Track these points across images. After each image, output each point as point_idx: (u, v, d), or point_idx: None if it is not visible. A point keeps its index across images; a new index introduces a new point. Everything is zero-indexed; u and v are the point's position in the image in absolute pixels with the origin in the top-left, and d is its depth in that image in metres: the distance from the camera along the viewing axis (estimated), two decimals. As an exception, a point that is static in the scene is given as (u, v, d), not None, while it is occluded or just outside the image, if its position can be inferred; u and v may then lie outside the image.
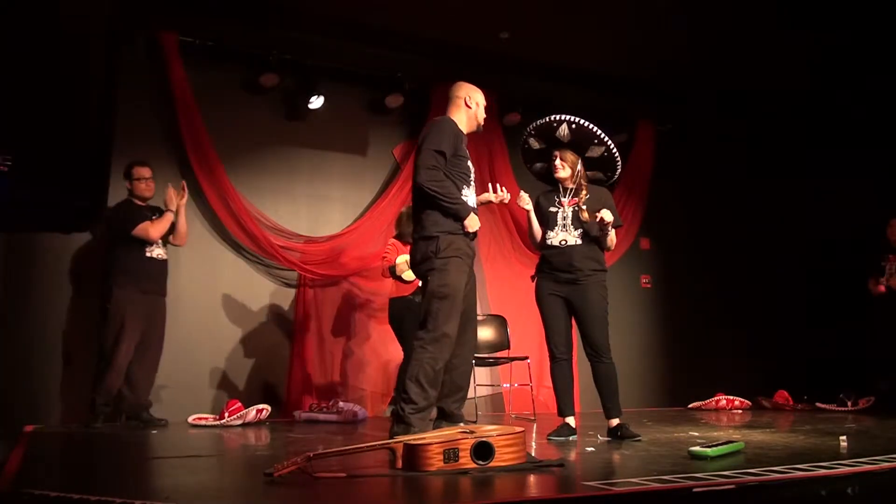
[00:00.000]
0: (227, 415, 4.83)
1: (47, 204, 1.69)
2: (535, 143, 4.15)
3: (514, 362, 5.69)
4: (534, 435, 4.25)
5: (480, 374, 5.79)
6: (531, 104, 6.29)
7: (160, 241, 4.88)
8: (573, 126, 3.92)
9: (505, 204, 4.17)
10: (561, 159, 4.00)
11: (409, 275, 5.00)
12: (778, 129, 7.34)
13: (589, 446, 3.51)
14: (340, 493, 2.26)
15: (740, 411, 6.25)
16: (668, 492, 2.12)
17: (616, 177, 4.13)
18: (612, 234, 3.98)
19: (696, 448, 2.91)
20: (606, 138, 3.93)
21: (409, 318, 4.97)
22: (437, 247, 3.49)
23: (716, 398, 6.47)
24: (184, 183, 5.02)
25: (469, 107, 3.80)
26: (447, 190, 3.51)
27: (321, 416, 5.20)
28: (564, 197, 4.00)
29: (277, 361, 5.73)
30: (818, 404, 6.24)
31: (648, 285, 7.39)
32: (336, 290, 5.95)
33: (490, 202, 4.16)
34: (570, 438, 3.85)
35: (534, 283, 4.10)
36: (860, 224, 6.44)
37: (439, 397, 3.63)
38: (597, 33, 6.06)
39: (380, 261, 5.28)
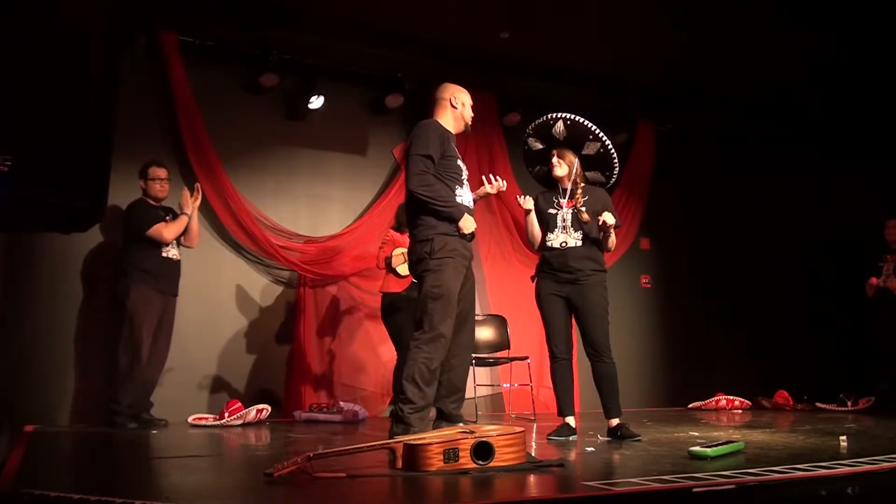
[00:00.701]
0: (227, 415, 4.83)
1: (47, 204, 1.69)
2: (534, 144, 4.15)
3: (514, 362, 5.70)
4: (534, 435, 4.25)
5: (480, 374, 5.79)
6: (531, 104, 6.29)
7: (174, 241, 4.89)
8: (568, 122, 3.94)
9: (503, 191, 4.15)
10: (558, 157, 4.01)
11: (403, 269, 4.99)
12: (778, 129, 7.34)
13: (589, 446, 3.51)
14: (340, 493, 2.26)
15: (740, 411, 6.25)
16: (668, 492, 2.12)
17: (615, 177, 4.13)
18: (612, 236, 3.98)
19: (696, 448, 2.91)
20: (601, 134, 3.93)
21: (399, 314, 4.97)
22: (431, 248, 3.50)
23: (716, 398, 6.47)
24: (198, 185, 5.05)
25: (455, 107, 3.80)
26: (438, 194, 3.52)
27: (321, 416, 5.20)
28: (563, 198, 4.00)
29: (277, 361, 5.73)
30: (818, 404, 6.24)
31: (648, 285, 7.40)
32: (336, 290, 5.95)
33: (489, 194, 4.13)
34: (570, 438, 3.85)
35: (534, 284, 4.11)
36: (860, 224, 6.43)
37: (437, 398, 3.64)
38: (597, 33, 6.06)
39: (377, 251, 5.25)
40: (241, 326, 5.67)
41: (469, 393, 5.52)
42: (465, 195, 3.67)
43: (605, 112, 6.60)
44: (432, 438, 2.61)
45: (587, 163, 4.04)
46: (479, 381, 5.56)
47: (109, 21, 1.76)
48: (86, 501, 1.91)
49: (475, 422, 5.03)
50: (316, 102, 5.93)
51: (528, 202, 4.02)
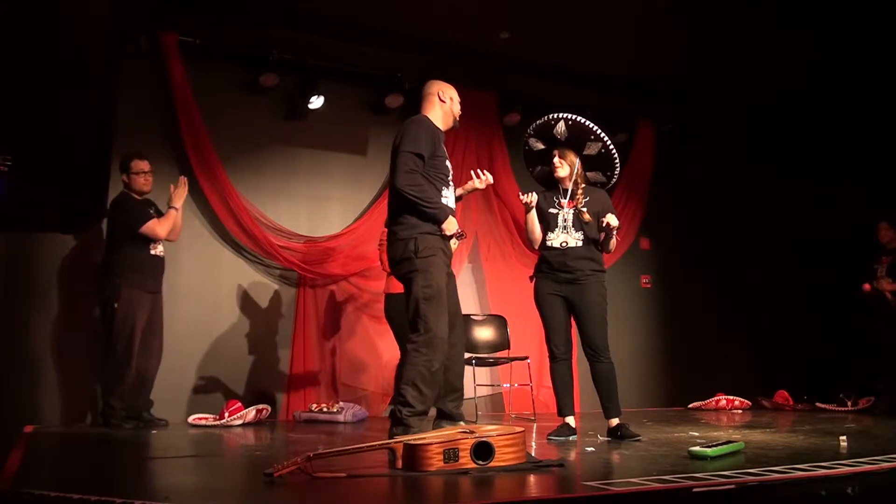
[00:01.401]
0: (227, 415, 4.83)
1: (47, 204, 1.69)
2: (535, 144, 4.15)
3: (514, 362, 5.70)
4: (534, 435, 4.25)
5: (480, 374, 5.79)
6: (531, 104, 6.29)
7: None
8: (569, 123, 3.94)
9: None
10: (560, 157, 4.01)
11: None
12: (778, 129, 7.34)
13: (589, 446, 3.51)
14: (340, 493, 2.26)
15: (740, 411, 6.25)
16: (668, 492, 2.12)
17: (616, 177, 4.13)
18: (614, 238, 3.99)
19: (696, 448, 2.91)
20: (602, 134, 3.93)
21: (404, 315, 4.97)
22: (416, 246, 3.47)
23: (716, 398, 6.48)
24: (183, 178, 4.93)
25: (443, 101, 3.77)
26: (426, 194, 3.48)
27: (321, 416, 5.20)
28: (564, 198, 4.01)
29: (277, 361, 5.73)
30: (818, 404, 6.24)
31: (648, 285, 7.39)
32: (336, 290, 5.95)
33: (476, 189, 4.10)
34: (570, 438, 3.85)
35: (532, 284, 4.11)
36: (860, 224, 6.43)
37: (437, 398, 3.64)
38: (597, 33, 6.06)
39: (378, 253, 5.24)
40: (241, 326, 5.67)
41: (469, 393, 5.53)
42: (449, 196, 3.66)
43: (605, 112, 6.57)
44: (432, 438, 2.61)
45: (588, 163, 4.04)
46: (479, 381, 5.56)
47: (109, 21, 1.76)
48: (86, 501, 1.91)
49: (475, 422, 5.03)
50: (316, 102, 5.93)
51: (530, 196, 3.98)
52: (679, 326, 7.25)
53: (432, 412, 3.73)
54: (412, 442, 2.57)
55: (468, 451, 2.53)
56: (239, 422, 4.82)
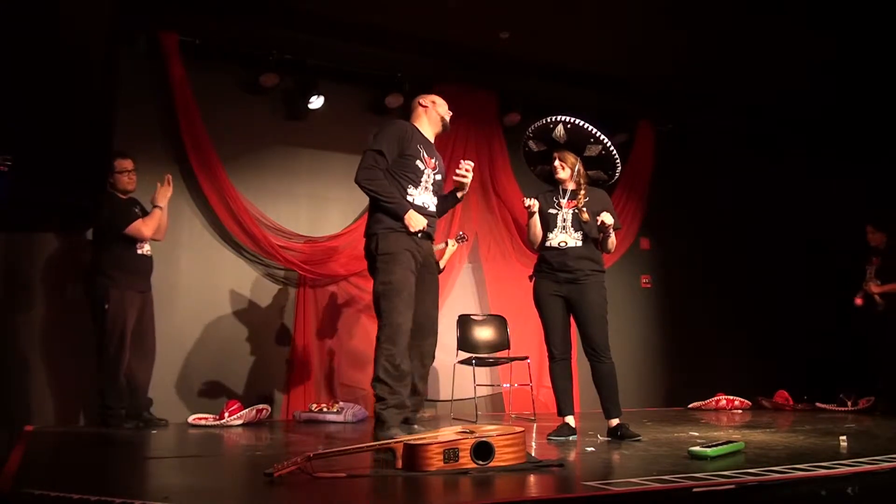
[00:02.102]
0: (227, 415, 4.83)
1: (47, 204, 1.69)
2: (534, 146, 4.15)
3: (514, 362, 5.70)
4: (534, 435, 4.25)
5: (480, 374, 5.79)
6: (531, 104, 6.29)
7: None
8: (569, 126, 3.93)
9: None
10: (560, 160, 4.01)
11: None
12: (778, 129, 7.35)
13: (589, 446, 3.51)
14: (340, 493, 2.26)
15: (740, 411, 6.25)
16: (668, 492, 2.12)
17: (617, 175, 4.13)
18: (612, 237, 3.99)
19: (696, 448, 2.91)
20: (602, 136, 3.93)
21: None
22: (376, 244, 3.56)
23: (716, 398, 6.48)
24: (169, 176, 4.87)
25: (425, 106, 3.82)
26: (383, 188, 3.56)
27: (321, 416, 5.20)
28: (564, 198, 4.01)
29: (277, 361, 5.73)
30: (818, 404, 6.24)
31: (648, 285, 7.39)
32: (336, 290, 5.95)
33: (464, 180, 3.80)
34: (570, 438, 3.85)
35: (532, 284, 4.11)
36: (860, 224, 6.44)
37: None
38: (597, 33, 6.05)
39: None
40: (240, 326, 5.67)
41: (469, 393, 5.55)
42: (419, 196, 3.66)
43: (605, 112, 6.60)
44: (432, 438, 2.61)
45: (589, 163, 4.04)
46: (479, 381, 5.56)
47: (109, 21, 1.76)
48: (86, 501, 1.91)
49: (475, 422, 5.04)
50: (316, 102, 5.93)
51: (532, 201, 3.97)
52: (679, 326, 7.25)
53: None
54: (412, 442, 2.57)
55: (468, 451, 2.53)
56: (239, 422, 4.82)
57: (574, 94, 6.53)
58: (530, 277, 4.13)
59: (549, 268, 3.98)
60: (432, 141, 3.88)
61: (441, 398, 6.02)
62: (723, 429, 4.56)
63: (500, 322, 5.99)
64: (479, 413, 5.59)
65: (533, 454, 2.84)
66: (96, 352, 4.63)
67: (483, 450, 2.55)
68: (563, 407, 3.99)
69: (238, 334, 5.65)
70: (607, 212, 3.91)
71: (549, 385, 4.23)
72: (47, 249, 5.06)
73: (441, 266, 5.70)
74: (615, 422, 3.86)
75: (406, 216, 3.55)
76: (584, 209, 3.94)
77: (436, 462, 2.49)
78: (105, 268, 4.59)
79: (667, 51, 6.28)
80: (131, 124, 5.11)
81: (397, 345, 3.46)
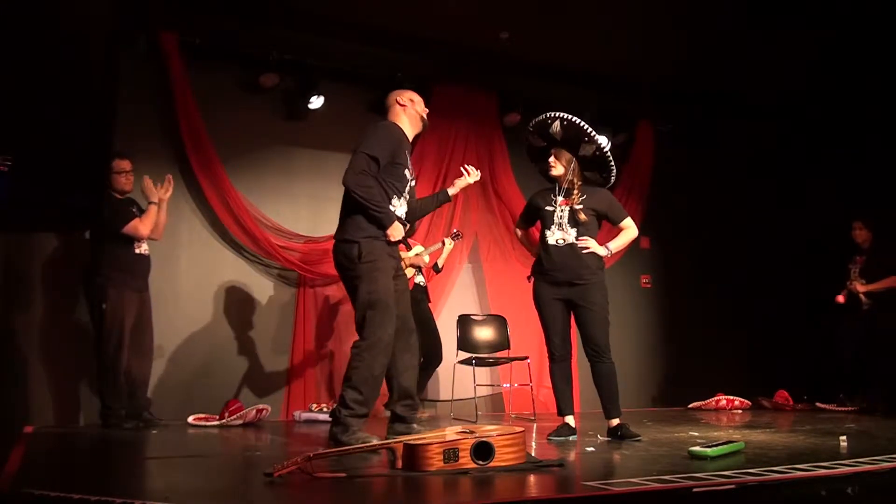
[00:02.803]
0: (227, 415, 4.83)
1: (47, 204, 1.69)
2: (535, 141, 4.15)
3: (514, 362, 5.70)
4: (534, 435, 4.25)
5: (480, 374, 5.79)
6: (531, 104, 6.28)
7: None
8: (564, 123, 3.93)
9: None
10: (555, 158, 4.01)
11: (409, 271, 5.02)
12: (777, 129, 7.35)
13: (589, 446, 3.51)
14: (340, 493, 2.26)
15: (740, 411, 6.25)
16: (668, 492, 2.12)
17: (612, 179, 4.10)
18: (619, 241, 4.04)
19: (696, 448, 2.92)
20: (596, 136, 3.93)
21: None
22: (359, 252, 3.45)
23: (716, 398, 6.47)
24: (169, 176, 4.88)
25: (403, 105, 3.73)
26: (373, 197, 3.46)
27: (321, 416, 5.20)
28: (560, 195, 4.01)
29: (277, 361, 5.73)
30: (818, 404, 6.24)
31: (648, 285, 7.39)
32: (336, 290, 5.94)
33: (468, 183, 3.98)
34: (570, 438, 3.85)
35: (530, 284, 4.11)
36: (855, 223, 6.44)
37: (391, 402, 3.67)
38: (597, 33, 6.06)
39: None
40: (241, 326, 5.67)
41: (469, 393, 5.55)
42: (399, 207, 3.60)
43: (605, 112, 6.62)
44: (432, 438, 2.61)
45: (584, 163, 4.04)
46: (479, 381, 5.56)
47: (109, 21, 1.76)
48: (86, 501, 1.91)
49: (475, 422, 5.04)
50: (316, 102, 5.93)
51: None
52: (679, 326, 7.25)
53: (387, 415, 3.73)
54: (412, 442, 2.57)
55: (468, 451, 2.53)
56: (239, 422, 4.82)
57: (574, 94, 6.53)
58: (529, 278, 4.13)
59: (548, 267, 3.97)
60: (411, 140, 3.82)
61: (441, 398, 6.02)
62: (723, 429, 4.56)
63: (500, 322, 5.99)
64: (479, 413, 5.59)
65: (533, 454, 2.84)
66: (95, 352, 4.63)
67: (483, 450, 2.55)
68: (563, 407, 3.99)
69: (238, 334, 5.65)
70: (609, 206, 3.97)
71: (549, 385, 4.23)
72: (47, 249, 5.05)
73: (440, 265, 5.71)
74: (615, 422, 3.86)
75: (390, 228, 3.48)
76: (581, 208, 3.93)
77: (436, 462, 2.49)
78: (103, 268, 4.59)
79: (667, 51, 6.28)
80: (131, 124, 5.10)
81: (379, 356, 3.42)
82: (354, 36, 5.95)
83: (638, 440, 3.69)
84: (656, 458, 2.93)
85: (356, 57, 6.09)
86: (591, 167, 4.06)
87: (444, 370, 5.76)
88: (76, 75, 1.68)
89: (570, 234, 3.93)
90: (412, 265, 5.35)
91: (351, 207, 3.52)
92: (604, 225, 4.17)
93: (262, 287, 5.80)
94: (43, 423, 4.74)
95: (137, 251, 4.73)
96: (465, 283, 6.50)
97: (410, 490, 2.33)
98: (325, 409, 5.27)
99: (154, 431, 4.47)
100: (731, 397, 6.46)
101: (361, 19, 5.78)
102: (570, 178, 3.99)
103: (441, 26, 5.91)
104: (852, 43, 6.05)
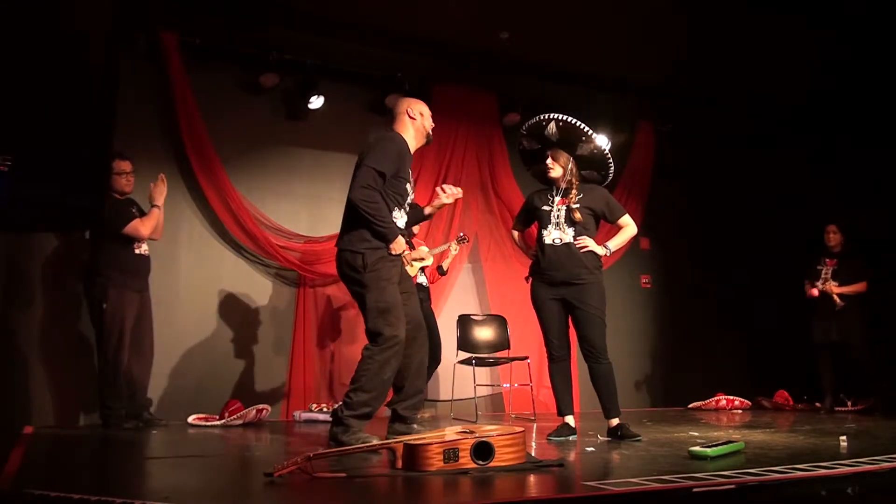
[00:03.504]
0: (227, 415, 4.84)
1: (47, 204, 1.69)
2: (528, 144, 4.16)
3: (514, 362, 5.70)
4: (534, 435, 4.25)
5: (480, 374, 5.79)
6: (531, 104, 6.28)
7: None
8: (560, 123, 3.93)
9: (459, 197, 4.07)
10: (552, 159, 4.01)
11: (411, 269, 5.02)
12: (777, 128, 7.34)
13: (589, 446, 3.51)
14: (340, 494, 2.26)
15: (740, 411, 6.25)
16: (668, 492, 2.12)
17: (611, 176, 4.11)
18: (618, 239, 4.03)
19: (696, 448, 2.92)
20: (593, 135, 3.93)
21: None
22: (363, 262, 3.48)
23: (716, 398, 6.48)
24: (162, 175, 4.87)
25: (413, 118, 3.73)
26: (380, 212, 3.48)
27: (321, 416, 5.20)
28: (557, 195, 4.01)
29: (277, 361, 5.73)
30: (818, 404, 6.24)
31: (648, 285, 7.40)
32: (336, 290, 5.95)
33: (444, 204, 3.99)
34: (570, 438, 3.85)
35: (529, 284, 4.11)
36: (860, 223, 6.44)
37: (396, 400, 3.67)
38: (597, 33, 6.05)
39: None
40: (241, 326, 5.67)
41: (469, 393, 5.56)
42: (399, 219, 3.64)
43: (605, 112, 6.61)
44: (432, 438, 2.61)
45: (582, 162, 4.04)
46: (479, 381, 5.56)
47: (110, 21, 1.76)
48: (86, 501, 1.91)
49: (475, 422, 5.04)
50: (316, 102, 5.93)
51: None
52: (679, 326, 7.25)
53: (388, 413, 3.74)
54: (412, 442, 2.58)
55: (468, 451, 2.53)
56: (239, 422, 4.82)
57: (574, 94, 6.53)
58: (526, 278, 4.14)
59: (545, 267, 3.97)
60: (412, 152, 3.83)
61: (441, 398, 6.02)
62: (723, 429, 4.56)
63: (500, 322, 5.99)
64: (479, 413, 5.59)
65: (533, 454, 2.84)
66: (96, 352, 4.63)
67: (483, 450, 2.55)
68: (563, 407, 3.99)
69: (238, 334, 5.65)
70: (606, 204, 3.99)
71: (549, 385, 4.23)
72: (47, 249, 5.05)
73: (444, 268, 5.71)
74: (615, 422, 3.86)
75: (394, 243, 3.51)
76: (577, 207, 3.94)
77: (436, 462, 2.49)
78: (103, 268, 4.59)
79: (667, 51, 6.28)
80: (131, 124, 5.11)
81: (390, 359, 3.43)
82: (354, 36, 5.95)
83: (638, 440, 3.70)
84: (656, 458, 2.93)
85: (356, 57, 6.09)
86: (589, 166, 4.06)
87: (444, 370, 5.76)
88: (76, 75, 1.68)
89: (568, 234, 3.93)
90: (415, 259, 5.34)
91: (355, 219, 3.54)
92: (603, 225, 4.17)
93: (262, 287, 5.80)
94: (43, 423, 4.74)
95: (137, 251, 4.73)
96: (465, 283, 6.50)
97: (410, 490, 2.34)
98: (325, 409, 5.27)
99: (154, 431, 4.47)
100: (731, 397, 6.47)
101: (361, 19, 5.78)
102: (569, 177, 3.99)
103: (441, 26, 5.91)
104: (852, 43, 6.05)
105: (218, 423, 4.80)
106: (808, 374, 6.42)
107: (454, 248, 5.56)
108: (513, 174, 6.53)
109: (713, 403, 6.45)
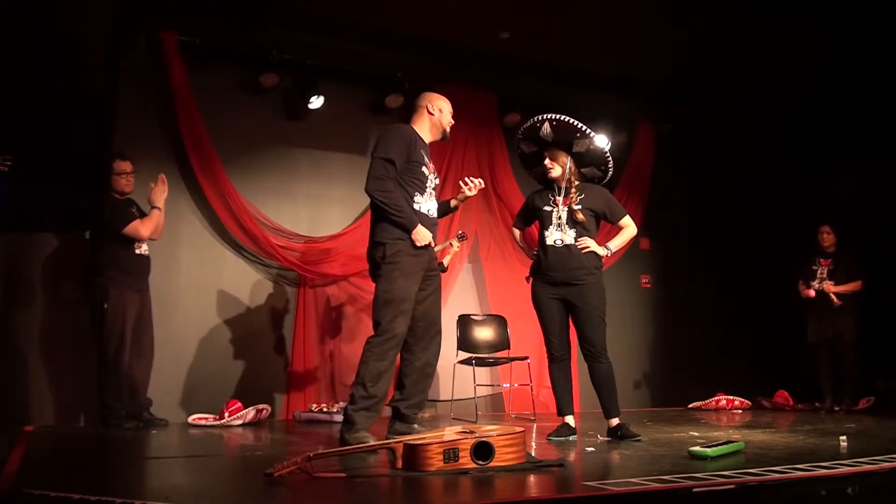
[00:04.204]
0: (227, 415, 4.84)
1: (47, 204, 1.69)
2: (526, 148, 4.16)
3: (514, 362, 5.70)
4: (534, 435, 4.25)
5: (480, 374, 5.79)
6: (531, 104, 6.27)
7: None
8: (554, 123, 3.94)
9: (482, 188, 4.08)
10: (551, 159, 4.01)
11: None
12: (778, 128, 7.34)
13: (589, 446, 3.51)
14: (340, 493, 2.27)
15: (740, 411, 6.25)
16: (668, 492, 2.12)
17: (611, 171, 4.11)
18: (618, 240, 4.03)
19: (696, 448, 2.92)
20: (588, 130, 3.93)
21: None
22: (383, 253, 3.52)
23: (716, 398, 6.48)
24: (162, 176, 4.87)
25: (432, 113, 3.78)
26: (394, 201, 3.51)
27: (321, 416, 5.20)
28: (559, 196, 4.01)
29: (277, 361, 5.73)
30: (818, 404, 6.24)
31: (648, 285, 7.39)
32: (336, 290, 5.95)
33: (468, 197, 3.99)
34: (570, 438, 3.85)
35: (529, 284, 4.11)
36: (859, 223, 6.44)
37: (398, 399, 3.68)
38: (597, 33, 6.05)
39: None
40: (240, 326, 5.67)
41: (469, 393, 5.56)
42: (424, 203, 3.65)
43: (605, 112, 6.61)
44: (432, 438, 2.61)
45: (580, 160, 4.04)
46: (479, 381, 5.56)
47: (110, 21, 1.76)
48: (86, 501, 1.91)
49: (475, 422, 5.04)
50: (316, 102, 5.93)
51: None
52: (679, 326, 7.25)
53: (389, 411, 3.75)
54: (412, 442, 2.58)
55: (468, 451, 2.53)
56: (239, 422, 4.82)
57: (574, 94, 6.53)
58: (527, 278, 4.14)
59: (546, 268, 3.97)
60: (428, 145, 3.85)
61: (441, 398, 6.02)
62: (723, 429, 4.56)
63: (500, 322, 5.99)
64: (479, 413, 5.59)
65: (533, 454, 2.84)
66: (96, 352, 4.63)
67: (483, 450, 2.55)
68: (563, 407, 3.99)
69: (238, 334, 5.65)
70: (607, 208, 3.98)
71: (549, 385, 4.23)
72: (47, 249, 5.05)
73: (445, 265, 5.71)
74: (615, 422, 3.86)
75: (414, 232, 3.52)
76: (578, 207, 3.94)
77: (436, 462, 2.49)
78: (103, 268, 4.60)
79: (667, 51, 6.28)
80: (131, 124, 5.10)
81: (389, 351, 3.48)
82: (354, 36, 5.95)
83: (638, 440, 3.70)
84: (656, 458, 2.93)
85: (356, 57, 6.09)
86: (588, 163, 4.06)
87: (444, 370, 5.76)
88: (76, 75, 1.69)
89: (569, 235, 3.93)
90: None
91: (377, 212, 3.60)
92: (603, 226, 4.17)
93: (262, 287, 5.80)
94: (43, 423, 4.74)
95: (138, 251, 4.74)
96: (465, 283, 6.50)
97: (410, 490, 2.34)
98: (325, 409, 5.27)
99: (154, 431, 4.47)
100: (731, 397, 6.47)
101: (361, 19, 5.78)
102: (568, 176, 3.99)
103: (441, 26, 5.91)
104: (852, 43, 6.05)
105: (218, 423, 4.80)
106: (809, 374, 6.43)
107: (455, 245, 5.56)
108: (513, 174, 6.53)
109: (713, 403, 6.45)
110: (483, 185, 4.05)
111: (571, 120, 3.91)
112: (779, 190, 7.27)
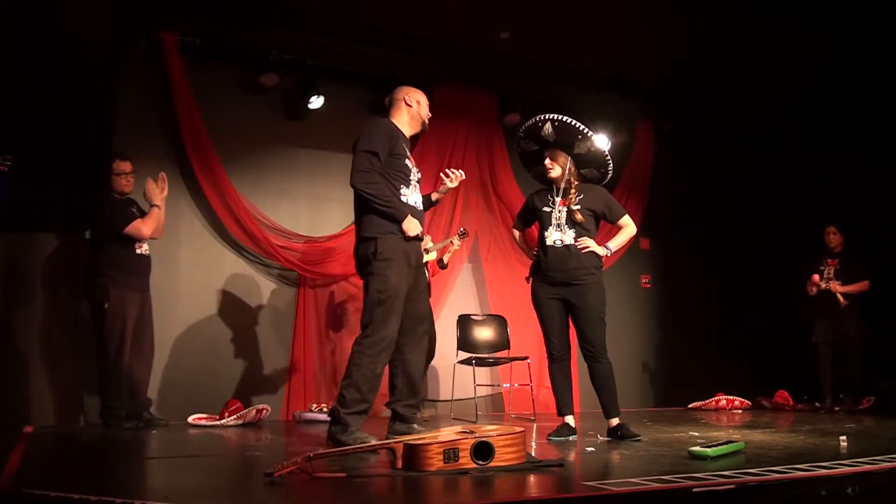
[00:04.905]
0: (227, 415, 4.84)
1: (47, 204, 1.69)
2: (527, 146, 4.16)
3: (514, 362, 5.70)
4: (534, 435, 4.25)
5: (480, 374, 5.79)
6: (531, 104, 6.28)
7: None
8: (556, 123, 3.94)
9: (463, 179, 4.08)
10: (551, 159, 4.01)
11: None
12: (778, 129, 7.34)
13: (589, 446, 3.51)
14: (340, 493, 2.26)
15: (740, 411, 6.25)
16: (668, 492, 2.12)
17: (610, 173, 4.12)
18: (618, 240, 4.03)
19: (696, 448, 2.92)
20: (589, 133, 3.93)
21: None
22: (375, 249, 3.49)
23: (716, 398, 6.48)
24: (163, 174, 4.87)
25: (409, 105, 3.78)
26: (381, 192, 3.48)
27: (321, 416, 5.20)
28: (558, 196, 4.01)
29: (277, 361, 5.73)
30: (818, 404, 6.24)
31: (648, 285, 7.40)
32: (336, 290, 5.95)
33: (450, 189, 4.06)
34: (570, 438, 3.85)
35: (529, 284, 4.11)
36: (861, 223, 6.44)
37: (393, 400, 3.68)
38: (597, 33, 6.05)
39: None
40: (240, 326, 5.67)
41: (469, 393, 5.55)
42: (410, 195, 3.64)
43: (605, 112, 6.61)
44: (432, 438, 2.61)
45: (580, 161, 4.04)
46: (479, 382, 5.56)
47: (109, 21, 1.76)
48: (86, 501, 1.91)
49: (475, 422, 5.04)
50: (316, 102, 5.93)
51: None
52: (679, 326, 7.25)
53: (388, 413, 3.75)
54: (412, 442, 2.58)
55: (468, 451, 2.53)
56: (239, 422, 4.82)
57: (574, 94, 6.53)
58: (527, 279, 4.14)
59: (545, 268, 3.97)
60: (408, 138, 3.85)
61: (441, 398, 6.02)
62: (723, 429, 4.56)
63: (500, 322, 5.99)
64: (479, 413, 5.59)
65: (533, 454, 2.84)
66: (96, 352, 4.63)
67: (483, 450, 2.55)
68: (563, 407, 3.99)
69: (238, 334, 5.65)
70: (607, 208, 3.98)
71: (549, 385, 4.23)
72: (47, 249, 5.05)
73: (445, 262, 5.71)
74: (615, 422, 3.86)
75: (404, 223, 3.51)
76: (578, 208, 3.94)
77: (436, 462, 2.49)
78: (104, 268, 4.59)
79: (667, 51, 6.28)
80: (131, 124, 5.11)
81: (381, 354, 3.45)
82: (354, 36, 5.95)
83: (638, 440, 3.70)
84: (656, 458, 2.93)
85: (356, 57, 6.09)
86: (588, 164, 4.06)
87: (444, 370, 5.77)
88: (76, 75, 1.69)
89: (569, 235, 3.93)
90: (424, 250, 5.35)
91: (363, 207, 3.55)
92: (603, 226, 4.17)
93: (262, 287, 5.80)
94: (43, 423, 4.74)
95: (138, 251, 4.74)
96: (465, 283, 6.50)
97: (410, 490, 2.33)
98: (325, 409, 5.27)
99: (154, 431, 4.47)
100: (731, 397, 6.47)
101: (361, 19, 5.78)
102: (568, 177, 3.99)
103: (441, 26, 5.91)
104: (852, 43, 6.05)
105: (218, 423, 4.80)
106: (809, 374, 6.43)
107: (456, 242, 5.56)
108: (513, 174, 6.53)
109: (713, 403, 6.45)
110: (464, 177, 4.06)
111: (573, 121, 3.91)
112: (779, 190, 7.27)
